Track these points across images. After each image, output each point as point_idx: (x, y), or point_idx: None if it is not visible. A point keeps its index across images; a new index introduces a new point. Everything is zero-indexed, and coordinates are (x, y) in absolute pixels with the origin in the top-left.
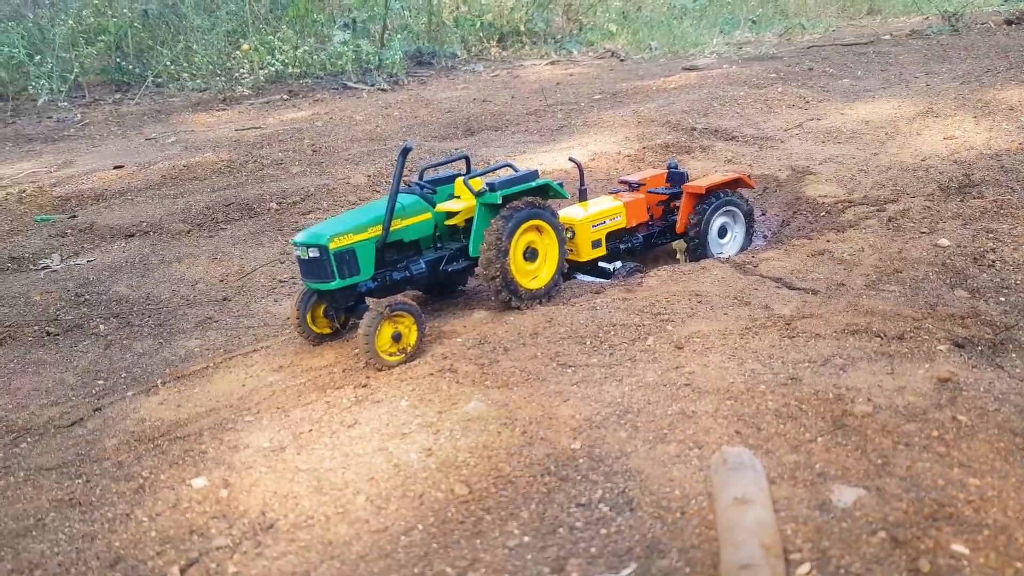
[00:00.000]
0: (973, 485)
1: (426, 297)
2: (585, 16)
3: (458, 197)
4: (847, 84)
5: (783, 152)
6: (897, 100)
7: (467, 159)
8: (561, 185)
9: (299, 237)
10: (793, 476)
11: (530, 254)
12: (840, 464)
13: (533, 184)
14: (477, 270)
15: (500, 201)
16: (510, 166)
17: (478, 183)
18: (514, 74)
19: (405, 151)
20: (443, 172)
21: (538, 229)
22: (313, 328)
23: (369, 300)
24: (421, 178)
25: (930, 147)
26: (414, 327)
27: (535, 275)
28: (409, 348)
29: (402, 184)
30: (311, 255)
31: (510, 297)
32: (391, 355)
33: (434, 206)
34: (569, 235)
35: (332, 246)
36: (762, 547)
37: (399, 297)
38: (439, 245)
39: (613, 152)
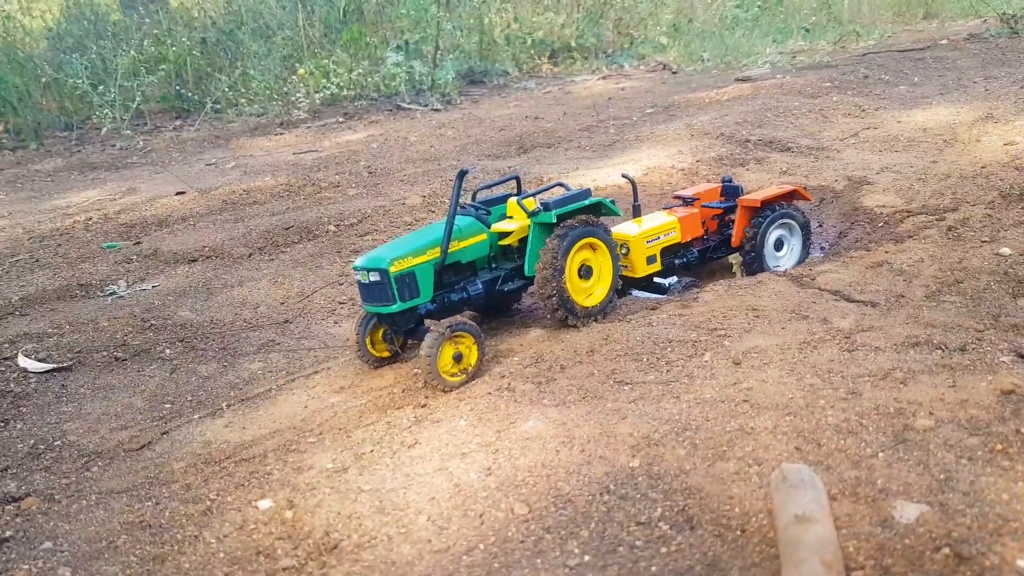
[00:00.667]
0: None
1: (482, 316)
2: (636, 30)
3: (511, 218)
4: (903, 91)
5: (839, 162)
6: (955, 106)
7: (518, 179)
8: (614, 203)
9: (359, 262)
10: (854, 492)
11: (585, 272)
12: (902, 480)
13: (586, 202)
14: (533, 289)
15: (554, 220)
16: (562, 185)
17: (531, 203)
18: (566, 90)
19: (462, 173)
20: (496, 192)
21: (592, 247)
22: (372, 352)
23: (429, 322)
24: (474, 199)
25: (990, 154)
26: (474, 347)
27: (590, 292)
28: (470, 368)
29: (468, 208)
30: (372, 279)
31: (566, 315)
32: (452, 376)
33: (489, 227)
34: (624, 251)
35: (393, 270)
36: (824, 565)
37: (459, 318)
38: (494, 265)
39: (667, 166)
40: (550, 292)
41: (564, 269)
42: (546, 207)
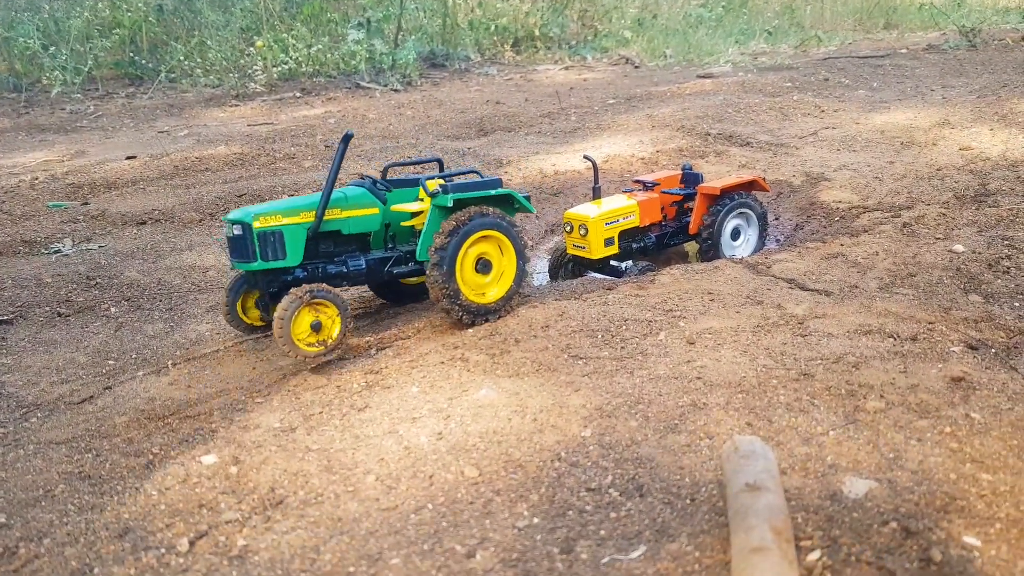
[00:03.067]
0: (985, 480)
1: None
2: (600, 22)
3: (422, 200)
4: (863, 95)
5: (797, 159)
6: (913, 111)
7: (440, 162)
8: (528, 198)
9: (229, 214)
10: (804, 467)
11: (482, 266)
12: (852, 457)
13: (492, 192)
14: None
15: (451, 204)
16: (476, 172)
17: (434, 184)
18: (528, 78)
19: (347, 138)
20: (414, 174)
21: (497, 244)
22: (243, 318)
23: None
24: (384, 176)
25: (946, 157)
26: (338, 319)
27: (484, 290)
28: (330, 341)
29: (356, 177)
30: (235, 232)
31: (449, 308)
32: (309, 345)
33: (385, 203)
34: (582, 232)
35: (256, 225)
36: (773, 531)
37: (324, 286)
38: (391, 246)
39: (627, 154)
40: (435, 280)
41: (454, 259)
42: (445, 190)
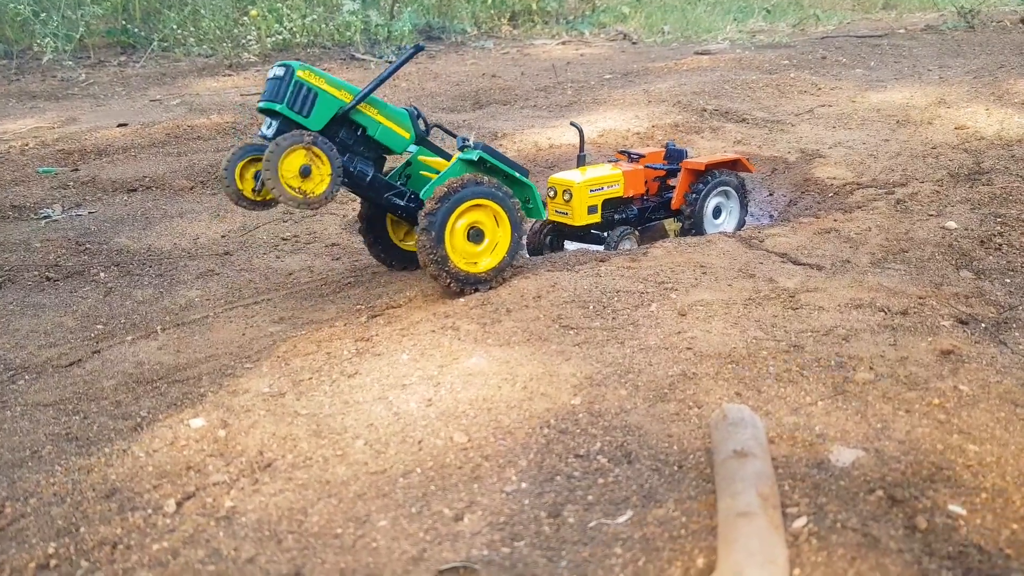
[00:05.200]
0: (972, 451)
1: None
2: None
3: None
4: (860, 74)
5: (793, 135)
6: (909, 91)
7: (465, 140)
8: (545, 205)
9: (281, 61)
10: (792, 436)
11: (474, 235)
12: (840, 427)
13: (516, 174)
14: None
15: (476, 160)
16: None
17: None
18: (524, 52)
19: (418, 48)
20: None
21: (493, 214)
22: (239, 184)
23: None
24: (427, 128)
25: (941, 136)
26: (327, 178)
27: (475, 260)
28: (311, 195)
29: (411, 108)
30: (277, 73)
31: (437, 273)
32: (290, 187)
33: (419, 138)
34: (566, 197)
35: (299, 74)
36: (760, 496)
37: (325, 139)
38: (401, 182)
39: (622, 129)
40: (423, 245)
41: (444, 225)
42: (476, 146)
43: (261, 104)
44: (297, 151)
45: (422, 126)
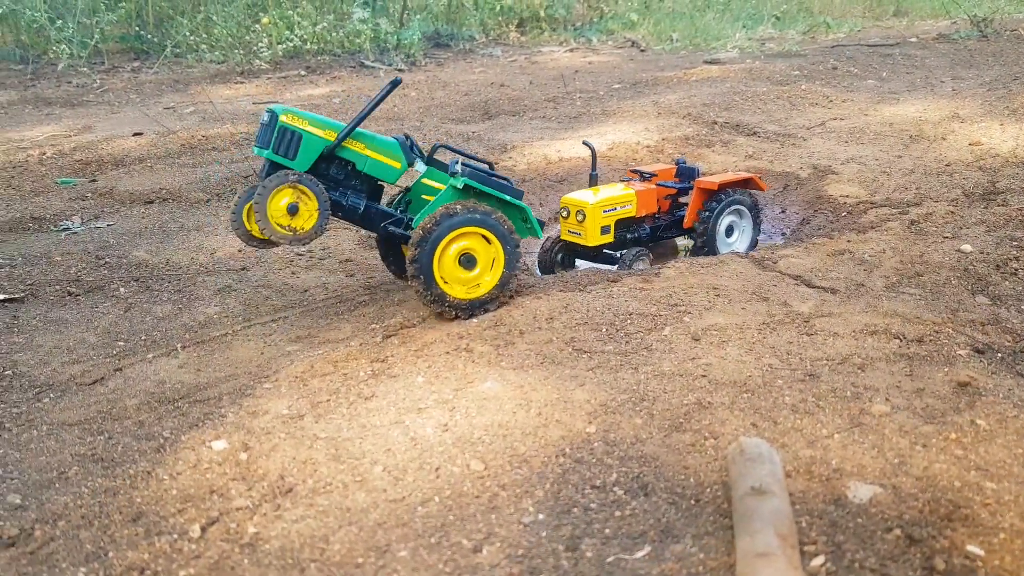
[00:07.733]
0: (990, 489)
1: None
2: (606, 4)
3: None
4: (872, 85)
5: (805, 150)
6: (922, 103)
7: (491, 165)
8: (542, 225)
9: (269, 106)
10: (809, 471)
11: (466, 261)
12: (856, 461)
13: (507, 198)
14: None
15: (461, 186)
16: (507, 180)
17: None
18: (532, 60)
19: (395, 82)
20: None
21: (486, 240)
22: (246, 223)
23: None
24: (432, 153)
25: (955, 153)
26: (315, 214)
27: (468, 284)
28: (300, 231)
29: (401, 136)
30: (264, 120)
31: (442, 310)
32: (279, 225)
33: (411, 164)
34: (579, 218)
35: (283, 119)
36: (778, 536)
37: (312, 177)
38: (402, 209)
39: (632, 142)
40: (418, 291)
41: (430, 267)
42: (460, 173)
43: (254, 150)
44: (283, 191)
45: (414, 153)
